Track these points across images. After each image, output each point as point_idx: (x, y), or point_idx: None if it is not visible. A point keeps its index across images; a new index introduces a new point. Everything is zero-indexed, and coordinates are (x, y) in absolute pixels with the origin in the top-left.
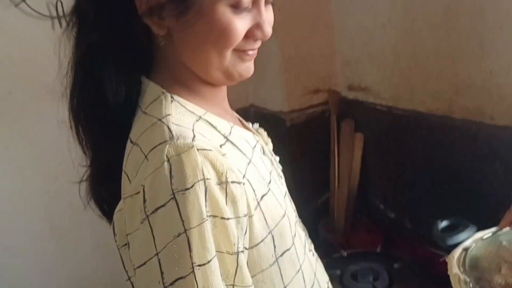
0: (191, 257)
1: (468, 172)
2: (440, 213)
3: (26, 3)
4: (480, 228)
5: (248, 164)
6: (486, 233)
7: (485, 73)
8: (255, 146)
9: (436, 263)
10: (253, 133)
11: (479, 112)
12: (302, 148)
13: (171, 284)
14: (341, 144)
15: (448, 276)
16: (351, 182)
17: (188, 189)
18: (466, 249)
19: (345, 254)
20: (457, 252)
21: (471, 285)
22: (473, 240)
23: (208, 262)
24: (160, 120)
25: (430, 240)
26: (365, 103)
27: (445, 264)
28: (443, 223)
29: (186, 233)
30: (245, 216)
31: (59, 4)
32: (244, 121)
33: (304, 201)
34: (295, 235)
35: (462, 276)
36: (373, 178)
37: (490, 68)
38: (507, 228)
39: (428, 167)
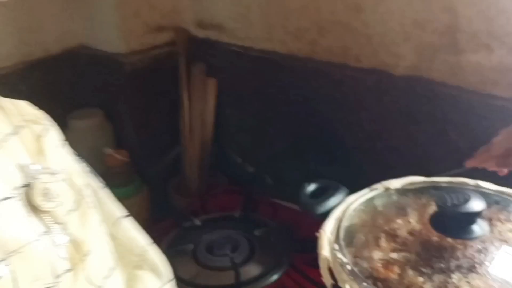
0: None
1: (332, 122)
2: (305, 170)
3: None
4: (352, 190)
5: None
6: (358, 197)
7: (350, 9)
8: None
9: (303, 226)
10: None
11: (344, 54)
12: (147, 97)
13: None
14: (192, 92)
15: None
16: (204, 135)
17: None
18: (339, 220)
19: (198, 222)
20: (329, 224)
21: (348, 267)
22: (345, 208)
23: None
24: None
25: (296, 202)
26: (218, 44)
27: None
28: (311, 187)
29: None
30: None
31: None
32: None
33: (152, 159)
34: None
35: (339, 256)
36: (229, 130)
37: (356, 3)
38: (381, 189)
39: (291, 118)
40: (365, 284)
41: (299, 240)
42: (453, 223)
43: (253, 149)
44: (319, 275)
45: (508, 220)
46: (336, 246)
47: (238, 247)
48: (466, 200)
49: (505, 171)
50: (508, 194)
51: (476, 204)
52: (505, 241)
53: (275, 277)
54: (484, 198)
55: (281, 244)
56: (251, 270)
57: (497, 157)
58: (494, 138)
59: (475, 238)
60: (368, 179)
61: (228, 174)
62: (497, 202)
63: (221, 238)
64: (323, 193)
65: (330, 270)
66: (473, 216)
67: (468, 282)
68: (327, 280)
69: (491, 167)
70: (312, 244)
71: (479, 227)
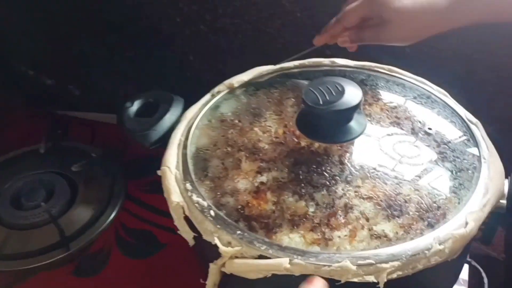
0: None
1: (143, 6)
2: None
3: None
4: (189, 100)
5: None
6: (199, 108)
7: None
8: None
9: (131, 145)
10: None
11: None
12: None
13: None
14: None
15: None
16: None
17: None
18: (183, 147)
19: None
20: (171, 156)
21: (212, 213)
22: (186, 127)
23: None
24: None
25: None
26: None
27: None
28: (135, 105)
29: None
30: None
31: None
32: None
33: None
34: None
35: (196, 200)
36: (11, 37)
37: None
38: (224, 91)
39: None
40: (239, 232)
41: (129, 163)
42: (327, 125)
43: (48, 55)
44: (162, 201)
45: (377, 99)
46: (189, 186)
47: (53, 191)
48: (339, 92)
49: (355, 46)
50: (369, 69)
51: (352, 95)
52: (385, 126)
53: (110, 217)
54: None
55: (109, 175)
56: (77, 217)
57: (350, 29)
58: (345, 6)
59: (354, 137)
60: (208, 83)
61: (21, 93)
62: (362, 82)
63: (28, 185)
64: (153, 111)
65: (188, 220)
66: (350, 112)
67: (357, 192)
68: (186, 233)
69: (344, 42)
70: (146, 164)
71: (357, 122)
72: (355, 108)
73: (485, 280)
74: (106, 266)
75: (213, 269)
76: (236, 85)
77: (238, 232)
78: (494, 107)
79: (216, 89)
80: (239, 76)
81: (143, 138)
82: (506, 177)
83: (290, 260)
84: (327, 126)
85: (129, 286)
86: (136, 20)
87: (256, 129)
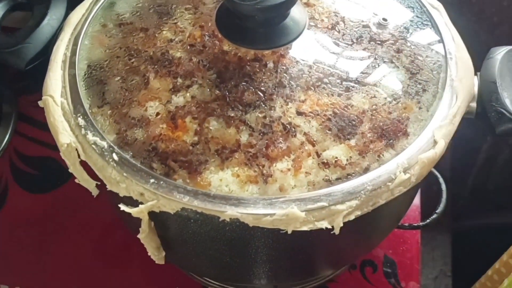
0: None
1: None
2: None
3: None
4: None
5: None
6: (89, 8)
7: None
8: None
9: None
10: None
11: None
12: None
13: None
14: None
15: None
16: None
17: None
18: (70, 64)
19: None
20: (55, 79)
21: (115, 157)
22: (71, 37)
23: None
24: None
25: None
26: None
27: None
28: (0, 10)
29: None
30: None
31: None
32: None
33: None
34: None
35: (92, 139)
36: None
37: None
38: None
39: None
40: (152, 180)
41: (17, 75)
42: (257, 25)
43: None
44: None
45: None
46: (81, 120)
47: None
48: None
49: None
50: None
51: None
52: (330, 21)
53: (1, 145)
54: None
55: None
56: None
57: None
58: None
59: (292, 39)
60: None
61: None
62: None
63: None
64: (23, 17)
65: (85, 165)
66: (287, 6)
67: (298, 109)
68: (86, 182)
69: None
70: (40, 73)
71: (294, 19)
72: (291, 2)
73: (443, 187)
74: (3, 205)
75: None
76: None
77: (152, 180)
78: None
79: None
80: None
81: (14, 56)
82: (475, 73)
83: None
84: (257, 27)
85: (32, 227)
86: None
87: (165, 32)
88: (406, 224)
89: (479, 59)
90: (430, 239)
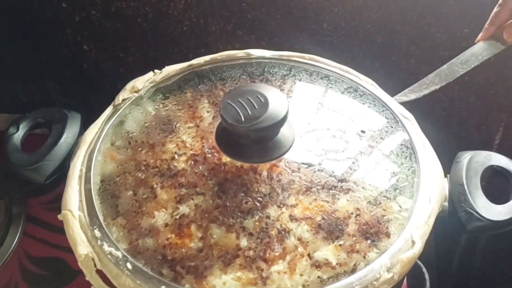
0: None
1: None
2: None
3: None
4: (88, 114)
5: None
6: (101, 125)
7: None
8: None
9: None
10: None
11: None
12: None
13: None
14: None
15: None
16: None
17: None
18: (86, 180)
19: None
20: (72, 194)
21: (129, 266)
22: (86, 153)
23: None
24: None
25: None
26: None
27: None
28: (21, 130)
29: None
30: None
31: None
32: None
33: None
34: None
35: (108, 250)
36: None
37: None
38: (127, 97)
39: None
40: (163, 286)
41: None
42: (252, 143)
43: None
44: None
45: (302, 98)
46: (97, 232)
47: None
48: (262, 104)
49: None
50: (288, 59)
51: (277, 107)
52: (314, 131)
53: (11, 248)
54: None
55: (5, 196)
56: None
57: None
58: None
59: (283, 152)
60: (109, 73)
61: None
62: (284, 79)
63: None
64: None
65: (101, 273)
66: (277, 127)
67: (291, 213)
68: None
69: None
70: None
71: (284, 135)
72: (282, 122)
73: (426, 276)
74: None
75: None
76: (139, 87)
77: (163, 287)
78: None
79: (120, 96)
80: (142, 78)
81: (35, 173)
82: (445, 175)
83: None
84: (252, 144)
85: None
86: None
87: (169, 145)
88: None
89: (448, 161)
90: None
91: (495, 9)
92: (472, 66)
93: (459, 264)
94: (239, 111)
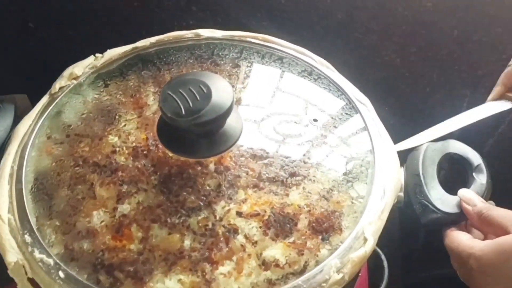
0: None
1: None
2: None
3: None
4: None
5: None
6: (36, 115)
7: None
8: None
9: None
10: None
11: None
12: None
13: None
14: None
15: None
16: None
17: None
18: (17, 177)
19: None
20: (2, 194)
21: (61, 274)
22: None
23: None
24: None
25: None
26: None
27: None
28: None
29: None
30: None
31: None
32: None
33: None
34: None
35: (39, 257)
36: None
37: None
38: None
39: None
40: None
41: None
42: (194, 137)
43: None
44: None
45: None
46: (28, 237)
47: None
48: (205, 96)
49: None
50: (240, 39)
51: (221, 97)
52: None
53: None
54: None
55: None
56: None
57: None
58: None
59: (229, 146)
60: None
61: None
62: (234, 62)
63: None
64: None
65: (33, 282)
66: (221, 120)
67: (239, 210)
68: None
69: None
70: None
71: (230, 126)
72: (226, 114)
73: (385, 264)
74: None
75: None
76: (79, 73)
77: None
78: (381, 55)
79: (56, 84)
80: (81, 63)
81: None
82: (402, 165)
83: None
84: (196, 138)
85: None
86: None
87: (110, 138)
88: None
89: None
90: None
91: (506, 70)
92: (478, 119)
93: (421, 253)
94: (179, 103)
